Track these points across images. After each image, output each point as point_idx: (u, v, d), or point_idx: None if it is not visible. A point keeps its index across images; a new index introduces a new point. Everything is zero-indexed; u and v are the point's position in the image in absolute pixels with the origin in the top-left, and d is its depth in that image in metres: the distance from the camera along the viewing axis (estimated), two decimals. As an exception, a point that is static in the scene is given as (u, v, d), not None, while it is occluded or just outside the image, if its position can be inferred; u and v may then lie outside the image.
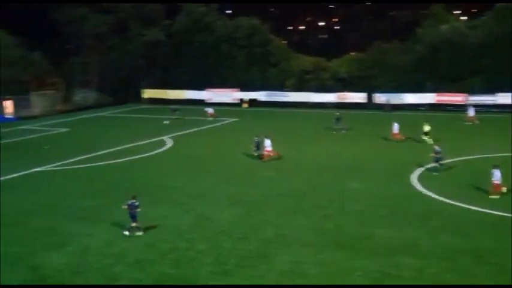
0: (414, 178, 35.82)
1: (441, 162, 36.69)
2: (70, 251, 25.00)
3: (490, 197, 30.47)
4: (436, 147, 36.91)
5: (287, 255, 23.89)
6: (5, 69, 73.42)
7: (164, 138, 52.54)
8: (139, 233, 26.46)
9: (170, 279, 21.95)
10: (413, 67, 71.24)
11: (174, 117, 64.72)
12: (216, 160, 42.98)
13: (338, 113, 55.78)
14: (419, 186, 33.99)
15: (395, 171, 38.05)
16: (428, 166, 37.79)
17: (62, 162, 43.20)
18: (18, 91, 75.40)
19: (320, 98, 75.16)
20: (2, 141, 53.71)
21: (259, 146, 42.79)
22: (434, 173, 36.17)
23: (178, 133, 55.46)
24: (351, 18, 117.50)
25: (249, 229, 27.18)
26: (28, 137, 57.10)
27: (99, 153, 46.49)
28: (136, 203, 26.55)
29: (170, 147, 49.14)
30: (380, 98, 71.43)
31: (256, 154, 42.79)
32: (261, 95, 78.22)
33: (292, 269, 22.60)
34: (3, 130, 60.39)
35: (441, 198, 31.26)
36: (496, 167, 30.72)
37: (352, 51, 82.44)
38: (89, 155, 45.59)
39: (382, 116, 64.72)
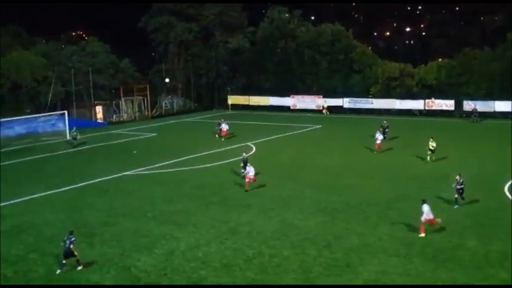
0: (506, 188, 34.66)
1: (463, 195, 31.49)
2: (158, 253, 25.69)
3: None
4: (458, 178, 31.65)
5: (372, 265, 23.68)
6: (95, 76, 76.15)
7: (249, 144, 52.99)
8: (58, 271, 23.71)
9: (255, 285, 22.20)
10: (504, 74, 68.94)
11: (221, 138, 56.69)
12: (300, 167, 43.02)
13: (385, 122, 53.88)
14: (510, 197, 32.91)
15: (485, 181, 36.97)
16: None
17: (150, 167, 44.37)
18: (108, 97, 78.24)
19: (405, 104, 73.97)
20: (93, 145, 55.78)
21: (246, 164, 38.47)
22: (455, 206, 31.50)
23: (262, 139, 55.79)
24: (438, 24, 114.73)
25: (333, 237, 27.08)
26: (118, 141, 58.99)
27: (186, 157, 47.43)
28: (73, 239, 23.97)
29: (255, 153, 49.57)
30: (468, 105, 69.41)
31: (242, 172, 38.49)
32: (344, 102, 77.63)
33: (377, 278, 22.38)
34: (94, 134, 62.62)
35: (534, 210, 30.09)
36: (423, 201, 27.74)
37: (440, 58, 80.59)
38: (177, 160, 46.62)
39: (469, 125, 63.12)
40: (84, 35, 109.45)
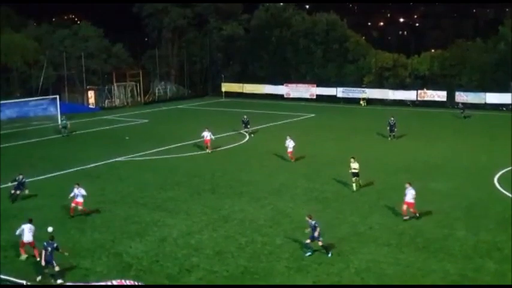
0: (496, 180, 34.83)
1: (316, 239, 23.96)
2: (149, 240, 25.66)
3: None
4: (310, 221, 24.17)
5: (363, 253, 23.80)
6: (88, 60, 75.70)
7: (242, 131, 52.84)
8: (60, 281, 21.38)
9: (247, 273, 22.22)
10: (495, 66, 69.28)
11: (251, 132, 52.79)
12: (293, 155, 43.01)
13: (392, 118, 50.44)
14: (500, 189, 33.07)
15: (476, 172, 37.19)
16: None
17: (142, 153, 44.25)
18: (101, 82, 77.81)
19: (398, 95, 74.09)
20: (85, 131, 55.52)
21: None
22: (307, 254, 23.87)
23: (255, 127, 55.63)
24: (431, 15, 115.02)
25: (324, 226, 26.86)
26: (110, 127, 58.80)
27: (179, 144, 47.33)
28: (55, 245, 21.60)
29: (248, 141, 49.48)
30: (460, 96, 69.55)
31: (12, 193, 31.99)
32: (338, 91, 77.48)
33: (368, 267, 22.47)
34: (86, 120, 62.38)
35: (524, 202, 30.25)
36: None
37: (433, 49, 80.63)
38: (169, 146, 46.52)
39: (461, 117, 63.30)
40: (76, 19, 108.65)
